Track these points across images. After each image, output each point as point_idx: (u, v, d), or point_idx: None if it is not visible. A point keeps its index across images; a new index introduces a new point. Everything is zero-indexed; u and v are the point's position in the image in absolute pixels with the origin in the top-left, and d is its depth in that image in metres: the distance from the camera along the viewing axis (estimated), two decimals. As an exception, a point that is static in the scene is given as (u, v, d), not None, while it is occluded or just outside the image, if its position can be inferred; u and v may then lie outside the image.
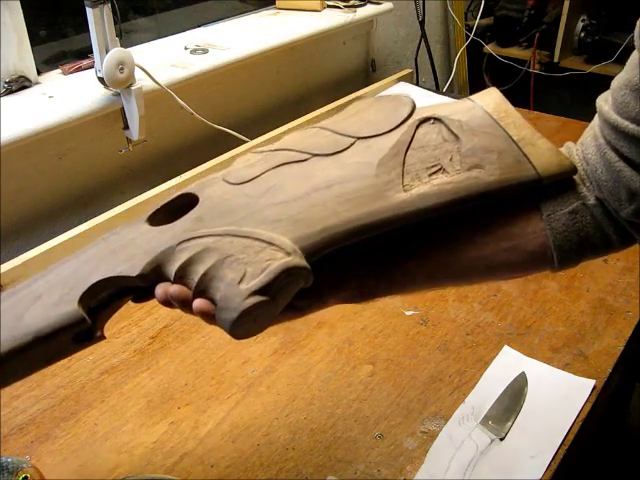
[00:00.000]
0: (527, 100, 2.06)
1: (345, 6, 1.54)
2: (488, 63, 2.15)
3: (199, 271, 0.43)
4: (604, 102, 0.49)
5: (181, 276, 0.44)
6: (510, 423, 0.75)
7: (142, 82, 1.08)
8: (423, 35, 1.86)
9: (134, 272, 0.44)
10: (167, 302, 0.45)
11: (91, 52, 1.04)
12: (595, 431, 0.81)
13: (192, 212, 0.46)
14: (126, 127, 1.12)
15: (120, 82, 1.03)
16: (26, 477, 0.62)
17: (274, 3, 1.57)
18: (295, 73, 1.54)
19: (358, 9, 1.54)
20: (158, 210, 0.49)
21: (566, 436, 0.73)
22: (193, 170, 1.19)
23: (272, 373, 0.83)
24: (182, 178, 1.16)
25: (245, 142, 1.31)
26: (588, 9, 1.94)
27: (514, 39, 2.06)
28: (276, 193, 0.46)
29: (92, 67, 1.07)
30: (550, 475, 0.70)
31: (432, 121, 0.50)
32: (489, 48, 2.06)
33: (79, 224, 1.03)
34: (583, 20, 1.94)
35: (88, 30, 0.99)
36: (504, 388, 0.79)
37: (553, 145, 0.49)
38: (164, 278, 0.45)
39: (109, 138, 1.16)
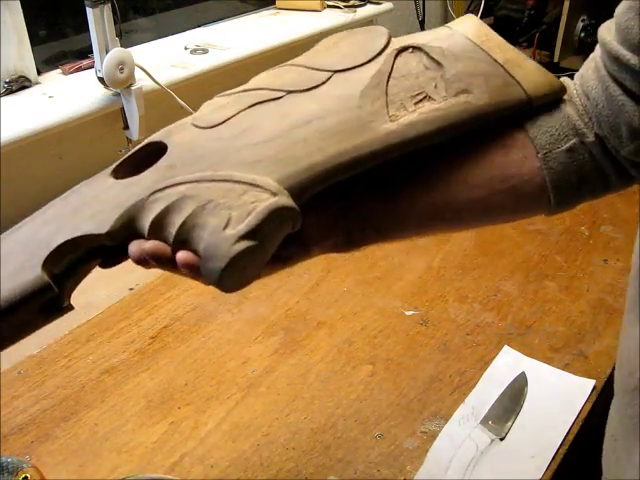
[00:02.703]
0: (527, 100, 2.06)
1: (345, 6, 1.54)
2: (488, 63, 2.15)
3: (176, 221, 0.39)
4: (607, 31, 0.44)
5: (156, 229, 0.40)
6: (510, 423, 0.75)
7: (142, 82, 1.08)
8: (423, 35, 1.86)
9: (102, 229, 0.40)
10: (143, 260, 0.41)
11: (91, 52, 1.05)
12: (595, 431, 0.80)
13: (161, 161, 0.42)
14: (126, 127, 1.12)
15: (120, 82, 1.03)
16: (26, 477, 0.62)
17: (274, 3, 1.57)
18: (295, 73, 1.53)
19: (358, 9, 1.54)
20: (122, 162, 0.44)
21: (566, 436, 0.73)
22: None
23: (272, 373, 0.83)
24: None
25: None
26: (588, 9, 1.94)
27: (514, 39, 2.05)
28: (252, 134, 0.43)
29: (92, 67, 1.07)
30: (550, 475, 0.70)
31: (411, 50, 0.47)
32: (489, 48, 2.05)
33: (79, 224, 1.03)
34: (583, 20, 1.94)
35: (88, 30, 1.00)
36: (504, 388, 0.79)
37: (540, 66, 0.48)
38: (137, 234, 0.41)
39: (109, 138, 1.16)
